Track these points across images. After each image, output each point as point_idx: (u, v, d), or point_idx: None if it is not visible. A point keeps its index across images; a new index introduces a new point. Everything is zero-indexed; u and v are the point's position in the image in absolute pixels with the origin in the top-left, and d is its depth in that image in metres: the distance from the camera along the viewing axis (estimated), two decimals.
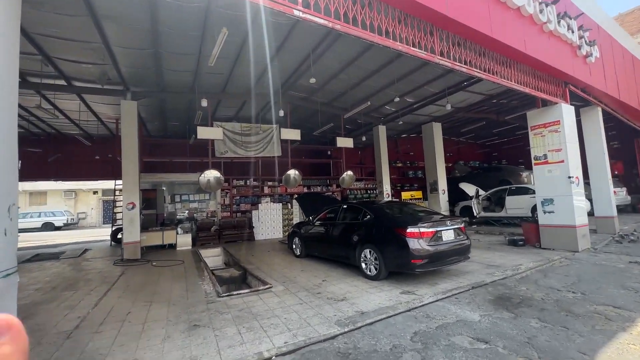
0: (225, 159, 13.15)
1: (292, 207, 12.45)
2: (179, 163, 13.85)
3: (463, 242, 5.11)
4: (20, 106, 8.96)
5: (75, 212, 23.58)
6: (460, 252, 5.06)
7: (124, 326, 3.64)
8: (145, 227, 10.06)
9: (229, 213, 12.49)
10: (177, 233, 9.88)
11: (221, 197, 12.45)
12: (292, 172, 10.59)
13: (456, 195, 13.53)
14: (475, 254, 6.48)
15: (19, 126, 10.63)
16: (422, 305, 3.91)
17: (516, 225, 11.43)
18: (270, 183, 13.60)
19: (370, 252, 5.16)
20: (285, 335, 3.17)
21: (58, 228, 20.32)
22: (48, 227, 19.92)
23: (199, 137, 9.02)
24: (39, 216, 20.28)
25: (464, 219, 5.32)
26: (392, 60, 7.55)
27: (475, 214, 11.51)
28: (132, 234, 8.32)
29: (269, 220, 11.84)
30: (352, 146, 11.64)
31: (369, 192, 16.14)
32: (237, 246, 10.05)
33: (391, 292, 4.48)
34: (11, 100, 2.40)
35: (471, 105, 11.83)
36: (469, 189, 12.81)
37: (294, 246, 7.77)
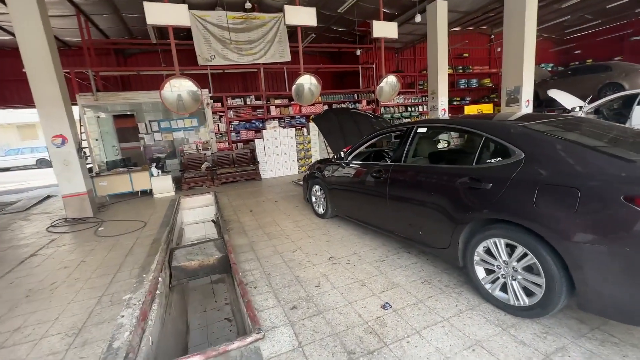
0: (215, 69, 9.44)
1: (309, 134, 9.13)
2: (155, 77, 10.35)
3: None
4: None
5: None
6: None
7: None
8: (108, 168, 7.29)
9: (227, 144, 9.41)
10: (152, 175, 7.06)
11: (214, 122, 9.20)
12: (307, 81, 6.98)
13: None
14: None
15: None
16: None
17: None
18: (278, 101, 9.99)
19: (515, 250, 1.99)
20: None
21: None
22: (43, 163, 18.04)
23: (148, 21, 5.40)
24: (31, 152, 18.29)
25: None
26: None
27: None
28: (71, 182, 5.51)
29: (279, 152, 8.73)
30: (397, 36, 7.54)
31: (409, 109, 12.21)
32: (235, 190, 7.23)
33: None
34: None
35: None
36: (565, 98, 8.84)
37: (313, 199, 4.73)
